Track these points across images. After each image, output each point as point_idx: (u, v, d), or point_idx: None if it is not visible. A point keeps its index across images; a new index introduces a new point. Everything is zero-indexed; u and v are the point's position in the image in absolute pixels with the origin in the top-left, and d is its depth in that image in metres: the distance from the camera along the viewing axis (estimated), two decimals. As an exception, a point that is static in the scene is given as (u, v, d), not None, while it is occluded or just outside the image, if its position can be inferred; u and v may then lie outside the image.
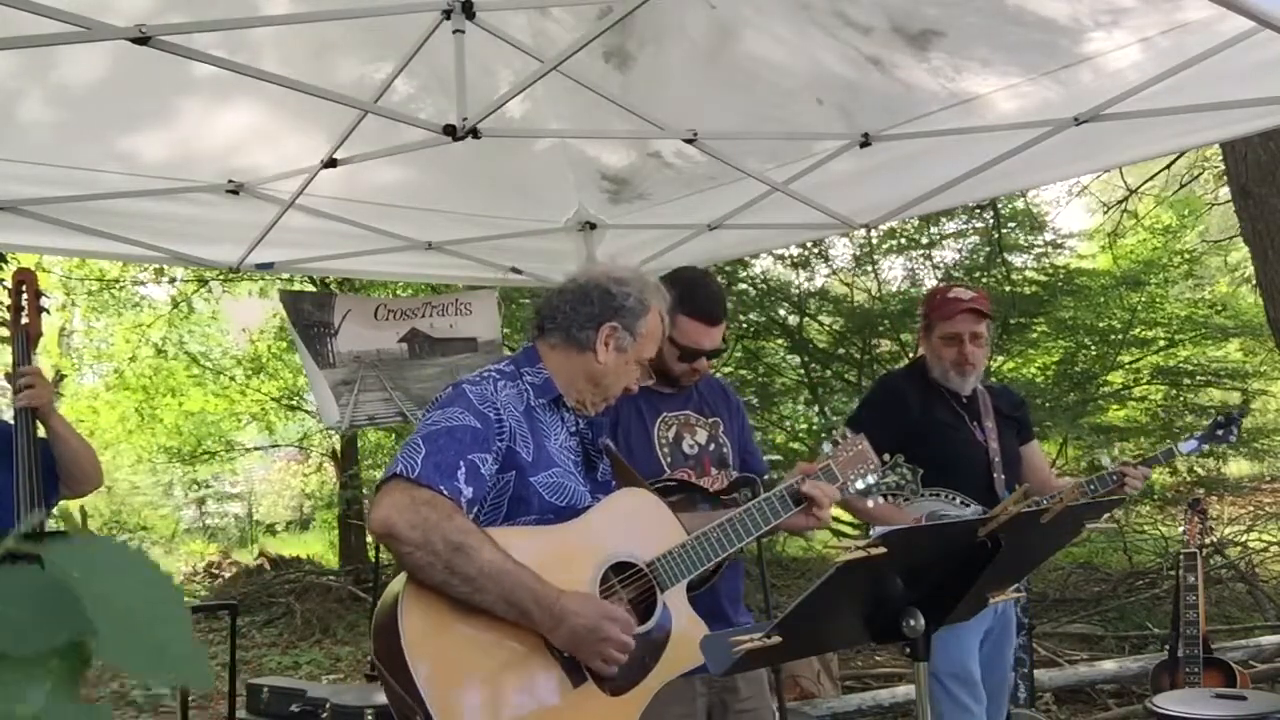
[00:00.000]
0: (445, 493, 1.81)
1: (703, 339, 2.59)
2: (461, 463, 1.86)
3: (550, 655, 1.89)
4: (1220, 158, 7.50)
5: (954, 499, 3.18)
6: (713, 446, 2.67)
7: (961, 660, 3.08)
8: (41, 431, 2.76)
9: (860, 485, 2.39)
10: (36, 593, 0.61)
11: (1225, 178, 6.95)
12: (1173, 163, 10.08)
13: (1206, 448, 3.52)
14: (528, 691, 1.86)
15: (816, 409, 8.75)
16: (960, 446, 3.23)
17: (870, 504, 2.69)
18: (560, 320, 2.12)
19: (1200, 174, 11.48)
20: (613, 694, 1.94)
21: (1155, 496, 9.34)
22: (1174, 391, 8.99)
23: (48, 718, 0.58)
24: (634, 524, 2.09)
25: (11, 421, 2.73)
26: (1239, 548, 8.41)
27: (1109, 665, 5.79)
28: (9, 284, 2.96)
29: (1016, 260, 8.80)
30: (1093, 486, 3.20)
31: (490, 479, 1.93)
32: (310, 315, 4.90)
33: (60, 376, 12.77)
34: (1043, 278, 8.62)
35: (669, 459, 2.59)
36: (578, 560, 1.97)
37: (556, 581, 1.88)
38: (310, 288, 8.79)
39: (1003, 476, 3.25)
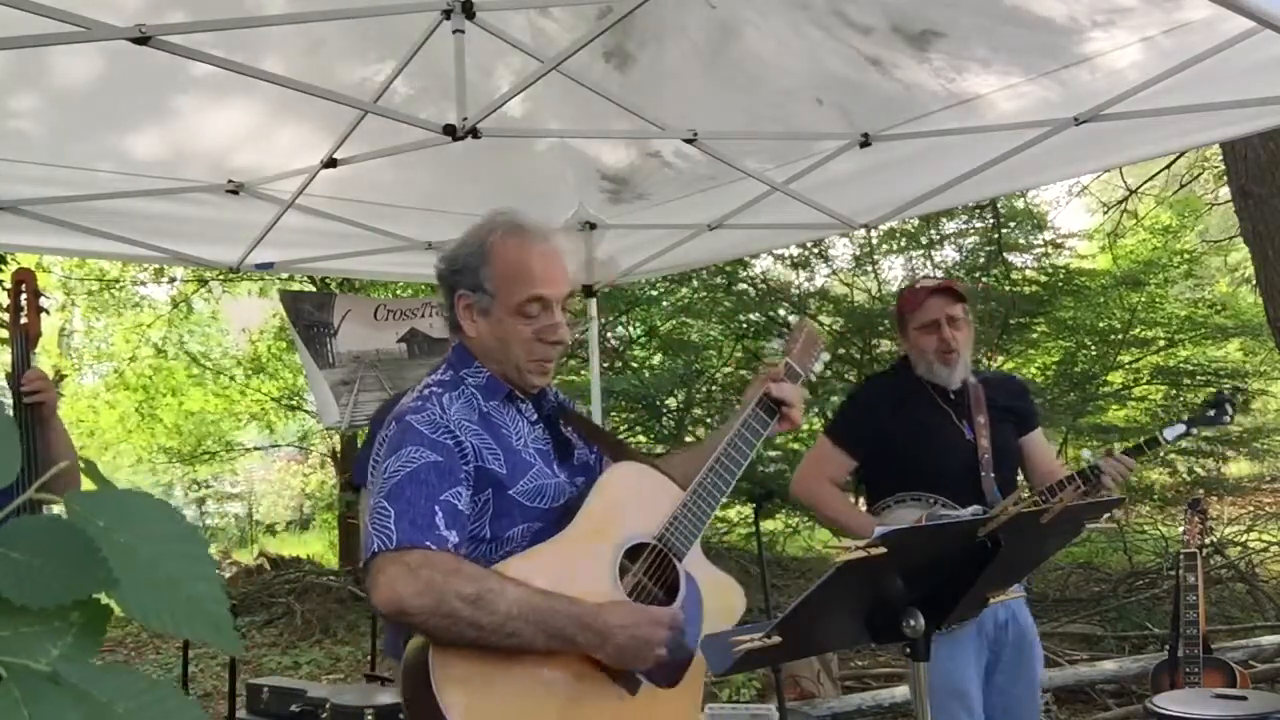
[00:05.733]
0: (433, 546, 1.68)
1: None
2: (436, 508, 1.72)
3: (601, 674, 1.80)
4: (1220, 158, 7.50)
5: (934, 503, 2.98)
6: None
7: (955, 676, 2.92)
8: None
9: (818, 367, 2.32)
10: (58, 542, 0.58)
11: (1225, 178, 6.95)
12: (1173, 163, 10.09)
13: (1196, 432, 3.27)
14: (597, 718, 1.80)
15: (816, 409, 8.74)
16: (940, 446, 3.04)
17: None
18: (445, 312, 2.01)
19: (1200, 174, 11.47)
20: (670, 685, 1.88)
21: (1155, 496, 9.34)
22: (1174, 391, 8.99)
23: (65, 674, 0.56)
24: (631, 501, 1.96)
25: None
26: (1239, 548, 8.41)
27: (1109, 665, 5.79)
28: (9, 284, 2.96)
29: (1016, 260, 8.81)
30: (1073, 484, 2.97)
31: (470, 510, 1.80)
32: (310, 315, 4.90)
33: (60, 376, 12.76)
34: (1043, 278, 8.63)
35: None
36: (590, 562, 1.87)
37: (578, 594, 1.78)
38: (310, 288, 8.79)
39: (993, 475, 3.01)
